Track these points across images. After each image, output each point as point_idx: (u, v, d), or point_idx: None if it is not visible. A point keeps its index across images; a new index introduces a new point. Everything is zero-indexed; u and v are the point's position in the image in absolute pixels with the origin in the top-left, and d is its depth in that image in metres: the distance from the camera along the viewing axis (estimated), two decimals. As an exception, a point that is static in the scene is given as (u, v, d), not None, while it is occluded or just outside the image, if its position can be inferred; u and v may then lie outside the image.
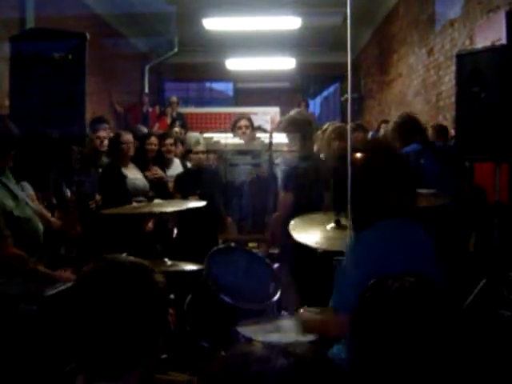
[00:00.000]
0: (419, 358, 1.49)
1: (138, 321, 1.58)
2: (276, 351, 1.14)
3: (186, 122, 12.63)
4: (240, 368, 1.12)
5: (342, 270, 2.65)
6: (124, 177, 5.82)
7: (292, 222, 3.85)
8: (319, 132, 6.14)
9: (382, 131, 8.51)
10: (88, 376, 1.59)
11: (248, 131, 6.66)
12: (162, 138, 7.11)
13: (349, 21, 2.34)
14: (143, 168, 6.34)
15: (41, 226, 3.78)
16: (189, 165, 7.13)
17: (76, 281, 1.72)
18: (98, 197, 5.49)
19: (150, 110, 13.17)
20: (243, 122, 6.70)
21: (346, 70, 2.62)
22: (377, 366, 1.53)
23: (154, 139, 6.77)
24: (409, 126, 5.32)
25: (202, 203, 4.80)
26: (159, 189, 6.13)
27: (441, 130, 6.49)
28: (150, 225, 5.79)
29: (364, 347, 1.57)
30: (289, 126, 5.25)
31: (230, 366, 1.15)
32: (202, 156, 6.33)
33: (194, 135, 6.98)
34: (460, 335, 1.55)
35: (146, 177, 6.18)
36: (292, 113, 5.44)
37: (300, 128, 5.19)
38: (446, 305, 1.58)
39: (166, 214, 5.56)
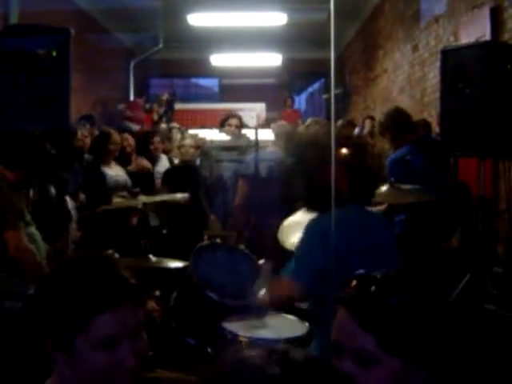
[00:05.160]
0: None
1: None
2: (270, 358, 1.12)
3: (171, 119, 12.60)
4: (232, 376, 1.12)
5: (299, 247, 2.84)
6: (104, 175, 5.81)
7: (280, 229, 3.91)
8: (302, 127, 6.16)
9: (366, 127, 8.54)
10: None
11: (237, 131, 6.67)
12: (149, 135, 7.16)
13: (332, 16, 2.33)
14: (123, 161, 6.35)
15: (43, 253, 3.82)
16: (175, 160, 7.14)
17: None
18: (81, 196, 5.44)
19: (138, 100, 13.18)
20: (234, 121, 6.69)
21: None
22: None
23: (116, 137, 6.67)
24: (400, 121, 5.33)
25: (184, 195, 4.82)
26: (146, 185, 6.12)
27: (423, 125, 6.52)
28: (134, 220, 5.77)
29: None
30: None
31: (222, 373, 1.14)
32: (190, 150, 6.35)
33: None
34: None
35: (129, 172, 6.17)
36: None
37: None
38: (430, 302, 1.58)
39: (147, 209, 5.56)
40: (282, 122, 6.90)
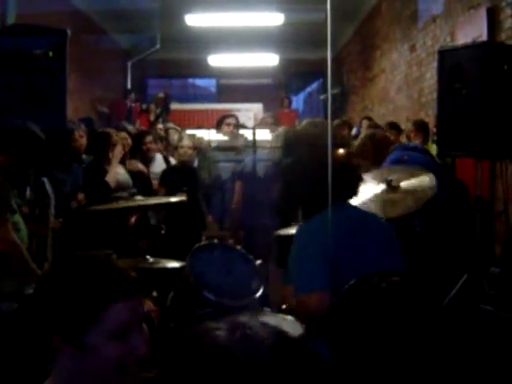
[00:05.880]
0: (402, 354, 1.51)
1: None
2: (225, 327, 1.11)
3: (166, 119, 12.56)
4: (187, 346, 1.12)
5: (297, 256, 2.65)
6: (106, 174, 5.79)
7: None
8: (298, 127, 6.16)
9: (363, 127, 8.54)
10: None
11: (235, 130, 6.70)
12: (141, 135, 7.12)
13: (329, 17, 2.33)
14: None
15: (26, 239, 3.78)
16: (172, 160, 7.12)
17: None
18: (80, 195, 5.39)
19: (133, 105, 13.07)
20: (231, 120, 6.72)
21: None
22: (358, 361, 1.53)
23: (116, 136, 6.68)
24: (378, 141, 5.30)
25: (182, 198, 4.82)
26: (143, 186, 6.11)
27: (421, 125, 6.52)
28: (133, 220, 5.75)
29: (347, 344, 1.58)
30: None
31: (180, 343, 1.15)
32: (188, 151, 6.34)
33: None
34: (440, 333, 1.57)
35: (129, 170, 6.15)
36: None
37: None
38: (429, 305, 1.59)
39: (147, 209, 5.54)
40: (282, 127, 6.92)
